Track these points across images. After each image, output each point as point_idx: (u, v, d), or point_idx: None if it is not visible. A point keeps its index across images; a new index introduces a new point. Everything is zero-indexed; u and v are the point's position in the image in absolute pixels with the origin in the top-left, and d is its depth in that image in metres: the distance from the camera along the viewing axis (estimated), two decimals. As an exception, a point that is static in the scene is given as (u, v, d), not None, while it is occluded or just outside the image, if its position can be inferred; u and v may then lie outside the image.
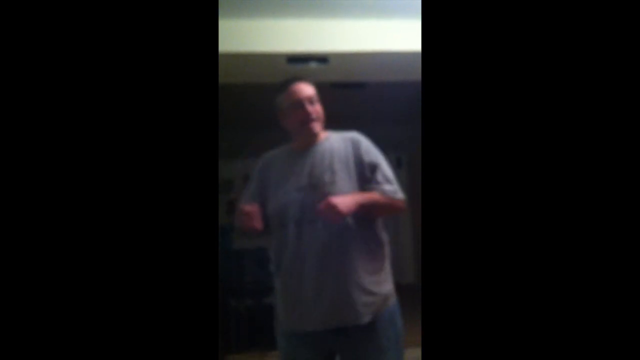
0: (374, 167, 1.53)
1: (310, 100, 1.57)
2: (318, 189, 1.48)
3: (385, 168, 1.56)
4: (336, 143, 1.58)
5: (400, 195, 1.53)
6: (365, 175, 1.52)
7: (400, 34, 2.80)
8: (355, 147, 1.56)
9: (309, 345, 1.49)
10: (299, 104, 1.56)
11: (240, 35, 2.69)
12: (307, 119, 1.55)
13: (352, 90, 3.92)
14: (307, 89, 1.59)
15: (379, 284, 1.48)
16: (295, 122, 1.58)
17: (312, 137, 1.59)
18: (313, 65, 2.84)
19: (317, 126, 1.58)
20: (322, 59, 2.81)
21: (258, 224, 1.46)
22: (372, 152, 1.56)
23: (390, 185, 1.53)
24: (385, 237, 1.57)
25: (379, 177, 1.52)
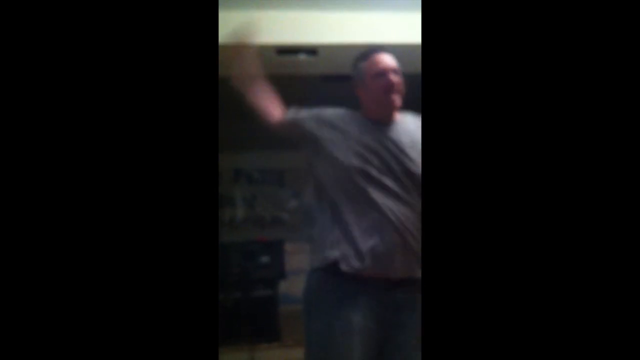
0: None
1: (395, 71, 1.54)
2: (406, 162, 1.48)
3: None
4: (414, 124, 1.56)
5: None
6: None
7: (390, 27, 2.80)
8: None
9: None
10: (384, 72, 1.52)
11: (230, 27, 2.66)
12: (391, 88, 1.51)
13: (342, 83, 3.91)
14: (391, 60, 1.55)
15: None
16: (377, 91, 1.52)
17: (392, 110, 1.54)
18: (302, 57, 2.83)
19: (399, 99, 1.54)
20: (311, 51, 2.80)
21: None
22: None
23: None
24: None
25: None
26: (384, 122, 1.55)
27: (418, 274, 1.46)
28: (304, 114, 1.59)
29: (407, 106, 1.58)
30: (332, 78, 3.93)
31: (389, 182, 1.48)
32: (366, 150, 1.49)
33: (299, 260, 3.99)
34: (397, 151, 1.50)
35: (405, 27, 2.80)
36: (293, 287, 3.79)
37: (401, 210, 1.47)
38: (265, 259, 4.11)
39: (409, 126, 1.56)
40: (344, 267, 1.44)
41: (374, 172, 1.47)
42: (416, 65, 3.61)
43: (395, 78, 1.52)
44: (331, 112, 1.58)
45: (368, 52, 1.58)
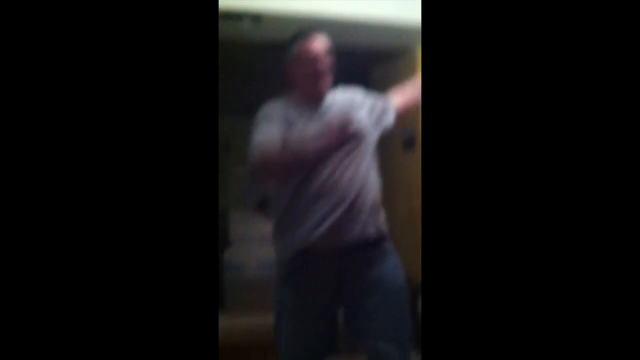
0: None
1: (323, 56, 1.54)
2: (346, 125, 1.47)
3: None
4: (344, 94, 1.63)
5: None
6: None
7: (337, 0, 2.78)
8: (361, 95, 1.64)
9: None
10: (311, 59, 1.52)
11: None
12: (317, 76, 1.53)
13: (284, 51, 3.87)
14: (320, 44, 1.55)
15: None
16: (304, 78, 1.55)
17: (319, 95, 1.57)
18: (246, 23, 2.77)
19: (326, 84, 1.56)
20: (255, 17, 2.75)
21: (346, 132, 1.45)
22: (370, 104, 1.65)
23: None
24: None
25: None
26: (313, 104, 1.58)
27: (370, 232, 1.52)
28: (258, 130, 1.59)
29: (336, 80, 1.61)
30: (277, 45, 3.89)
31: (330, 153, 1.49)
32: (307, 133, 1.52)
33: (244, 228, 3.98)
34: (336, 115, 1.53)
35: (353, 1, 2.80)
36: (238, 255, 3.80)
37: (345, 176, 1.49)
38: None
39: (337, 102, 1.61)
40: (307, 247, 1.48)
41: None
42: (358, 39, 3.64)
43: (321, 65, 1.53)
44: (265, 112, 1.60)
45: (297, 36, 1.58)
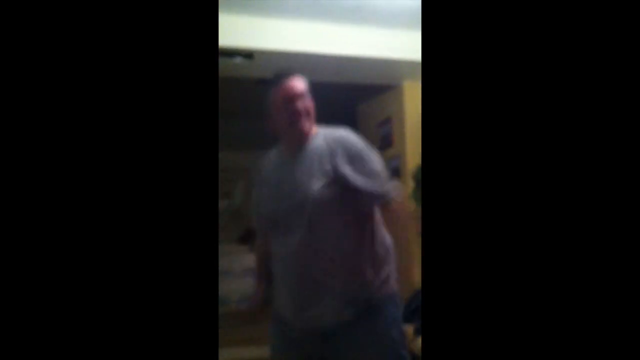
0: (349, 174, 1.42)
1: (302, 97, 1.46)
2: (307, 198, 1.39)
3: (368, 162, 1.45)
4: (321, 143, 1.46)
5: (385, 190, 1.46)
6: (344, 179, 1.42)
7: (325, 37, 2.88)
8: (336, 151, 1.44)
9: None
10: (289, 100, 1.44)
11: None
12: (295, 117, 1.44)
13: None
14: (297, 85, 1.47)
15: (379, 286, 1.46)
16: (285, 121, 1.46)
17: (301, 138, 1.47)
18: (238, 60, 2.86)
19: (308, 124, 1.47)
20: (247, 55, 2.84)
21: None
22: (353, 153, 1.44)
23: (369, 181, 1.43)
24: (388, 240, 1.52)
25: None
26: (295, 151, 1.49)
27: (346, 317, 1.40)
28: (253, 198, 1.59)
29: (319, 116, 1.53)
30: (267, 82, 3.97)
31: (296, 221, 1.41)
32: (277, 193, 1.47)
33: (228, 261, 3.98)
34: (304, 179, 1.43)
35: (341, 38, 2.91)
36: (221, 288, 3.78)
37: (310, 250, 1.40)
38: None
39: (319, 145, 1.47)
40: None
41: (282, 216, 1.45)
42: (351, 76, 3.69)
43: (301, 105, 1.45)
44: (261, 174, 1.57)
45: (274, 79, 1.50)
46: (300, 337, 1.45)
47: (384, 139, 3.69)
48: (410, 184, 3.26)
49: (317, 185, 1.40)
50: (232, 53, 2.80)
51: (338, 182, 1.41)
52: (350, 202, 1.43)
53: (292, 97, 1.45)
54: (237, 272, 3.88)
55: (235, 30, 2.71)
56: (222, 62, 2.86)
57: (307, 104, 1.47)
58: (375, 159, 1.48)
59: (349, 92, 3.68)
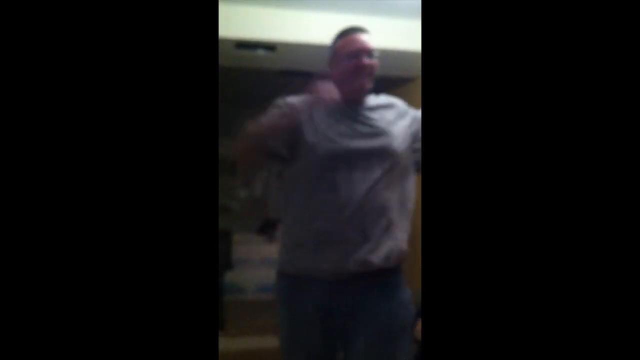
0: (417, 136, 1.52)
1: (369, 53, 1.47)
2: (377, 136, 1.43)
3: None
4: (386, 101, 1.55)
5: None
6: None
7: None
8: (405, 112, 1.56)
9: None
10: (356, 54, 1.45)
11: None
12: (360, 71, 1.45)
13: (297, 78, 3.97)
14: (367, 41, 1.48)
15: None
16: (347, 72, 1.46)
17: (360, 92, 1.49)
18: (261, 52, 2.88)
19: (369, 82, 1.48)
20: (270, 46, 2.85)
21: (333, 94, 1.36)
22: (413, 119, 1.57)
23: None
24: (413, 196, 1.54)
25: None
26: (353, 103, 1.49)
27: (375, 261, 1.39)
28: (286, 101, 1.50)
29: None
30: (289, 73, 3.99)
31: (359, 163, 1.41)
32: (334, 134, 1.44)
33: (246, 250, 4.02)
34: (368, 131, 1.46)
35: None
36: (239, 277, 3.82)
37: (373, 192, 1.40)
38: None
39: (380, 106, 1.53)
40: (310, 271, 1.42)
41: (342, 156, 1.42)
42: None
43: (367, 60, 1.47)
44: (300, 99, 1.47)
45: (346, 30, 1.52)
46: (313, 281, 1.42)
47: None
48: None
49: (396, 130, 1.48)
50: (254, 45, 2.82)
51: (404, 139, 1.50)
52: (411, 160, 1.51)
53: (358, 50, 1.47)
54: (255, 261, 3.91)
55: (258, 23, 2.73)
56: (245, 54, 2.89)
57: (373, 63, 1.49)
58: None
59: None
